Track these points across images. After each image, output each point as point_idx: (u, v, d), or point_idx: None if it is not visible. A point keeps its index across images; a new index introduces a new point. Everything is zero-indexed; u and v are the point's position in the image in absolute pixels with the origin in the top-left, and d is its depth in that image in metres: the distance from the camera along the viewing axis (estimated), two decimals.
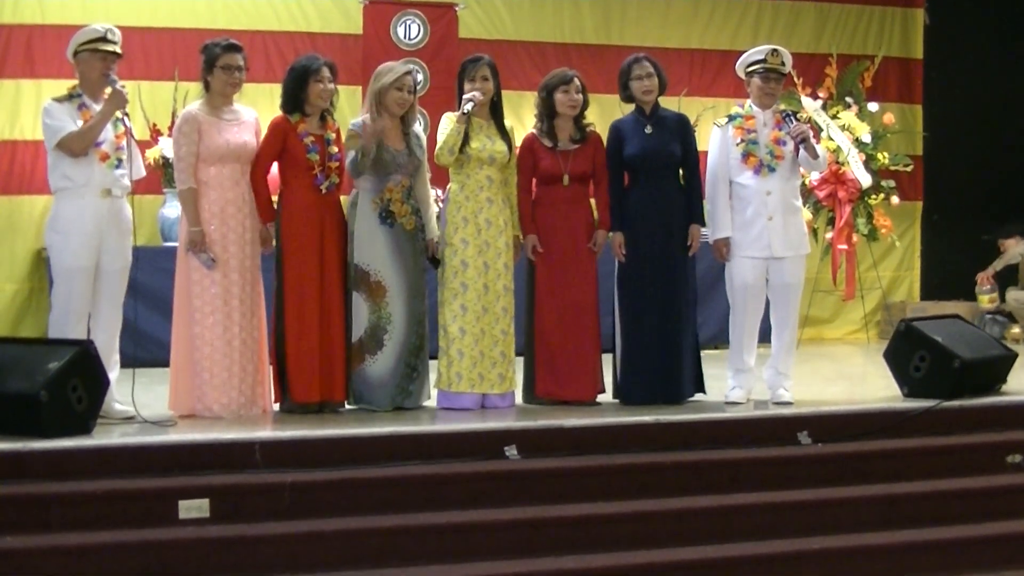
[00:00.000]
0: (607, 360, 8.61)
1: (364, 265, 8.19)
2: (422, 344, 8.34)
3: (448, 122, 8.33)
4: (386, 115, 8.25)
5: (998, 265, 13.36)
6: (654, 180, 8.49)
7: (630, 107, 8.74)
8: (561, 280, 8.43)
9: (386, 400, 8.21)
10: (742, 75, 8.72)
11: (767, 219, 8.45)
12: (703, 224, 8.58)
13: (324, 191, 8.15)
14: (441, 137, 8.30)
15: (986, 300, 13.20)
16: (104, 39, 7.84)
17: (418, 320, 8.31)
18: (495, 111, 8.51)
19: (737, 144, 8.53)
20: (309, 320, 8.08)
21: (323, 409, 8.11)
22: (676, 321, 8.46)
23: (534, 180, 8.52)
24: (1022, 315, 13.02)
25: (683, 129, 8.63)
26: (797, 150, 8.47)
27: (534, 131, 8.58)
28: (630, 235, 8.48)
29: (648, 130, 8.50)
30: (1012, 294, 13.11)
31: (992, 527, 7.33)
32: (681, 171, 8.61)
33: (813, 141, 8.51)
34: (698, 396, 8.61)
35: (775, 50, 8.58)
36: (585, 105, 8.54)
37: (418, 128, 8.50)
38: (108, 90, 7.81)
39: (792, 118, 8.50)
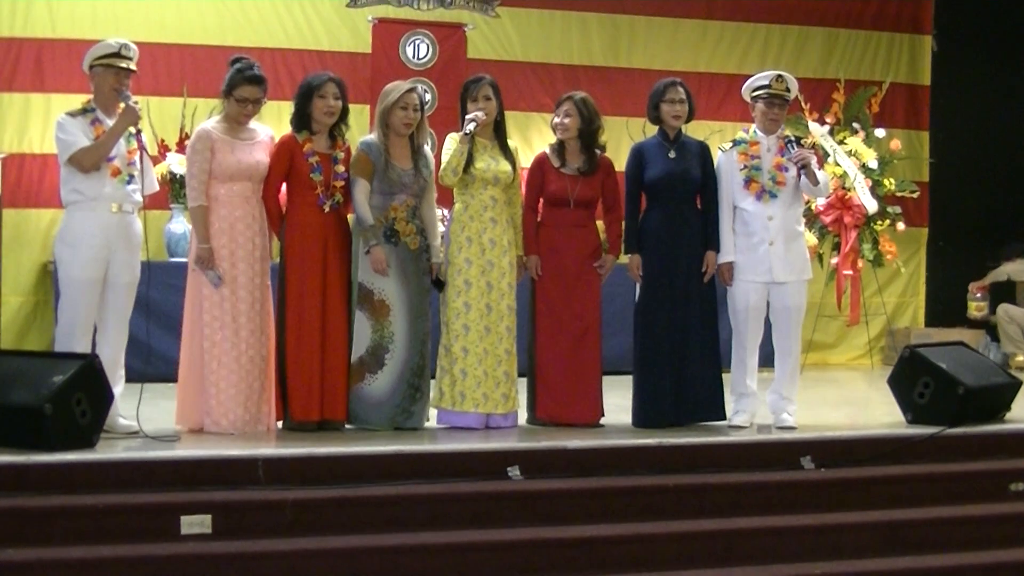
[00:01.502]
0: (619, 383, 8.60)
1: (368, 283, 8.19)
2: (424, 364, 8.33)
3: (452, 143, 8.34)
4: (393, 136, 8.27)
5: (988, 280, 13.41)
6: (673, 204, 8.51)
7: (636, 128, 8.75)
8: (563, 303, 8.45)
9: (384, 420, 8.20)
10: (748, 99, 8.74)
11: (768, 244, 8.46)
12: (718, 250, 8.53)
13: (327, 210, 8.16)
14: (445, 158, 8.30)
15: (974, 308, 13.27)
16: (119, 55, 7.86)
17: (420, 340, 8.30)
18: (498, 131, 8.52)
19: (740, 170, 8.55)
20: (309, 338, 8.08)
21: (323, 428, 8.10)
22: (696, 345, 8.47)
23: (541, 200, 8.54)
24: (1007, 331, 13.00)
25: (704, 156, 8.63)
26: (799, 175, 8.48)
27: (546, 150, 8.61)
28: (649, 259, 8.50)
29: (672, 155, 8.52)
30: (1003, 308, 13.10)
31: (994, 555, 7.30)
32: (700, 197, 8.62)
33: (815, 167, 8.51)
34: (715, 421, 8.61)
35: (780, 76, 8.60)
36: (591, 128, 8.50)
37: (427, 149, 8.50)
38: (121, 106, 7.84)
39: (794, 144, 8.51)
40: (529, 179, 8.54)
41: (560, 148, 8.54)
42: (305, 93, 8.21)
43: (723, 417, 8.56)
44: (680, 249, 8.48)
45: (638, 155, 8.62)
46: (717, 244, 8.55)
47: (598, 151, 8.59)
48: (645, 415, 8.46)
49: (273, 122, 8.86)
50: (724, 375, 8.66)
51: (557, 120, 8.50)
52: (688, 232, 8.51)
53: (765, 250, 8.47)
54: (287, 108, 8.41)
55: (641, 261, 8.51)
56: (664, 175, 8.49)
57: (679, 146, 8.57)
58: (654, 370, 8.46)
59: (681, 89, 8.58)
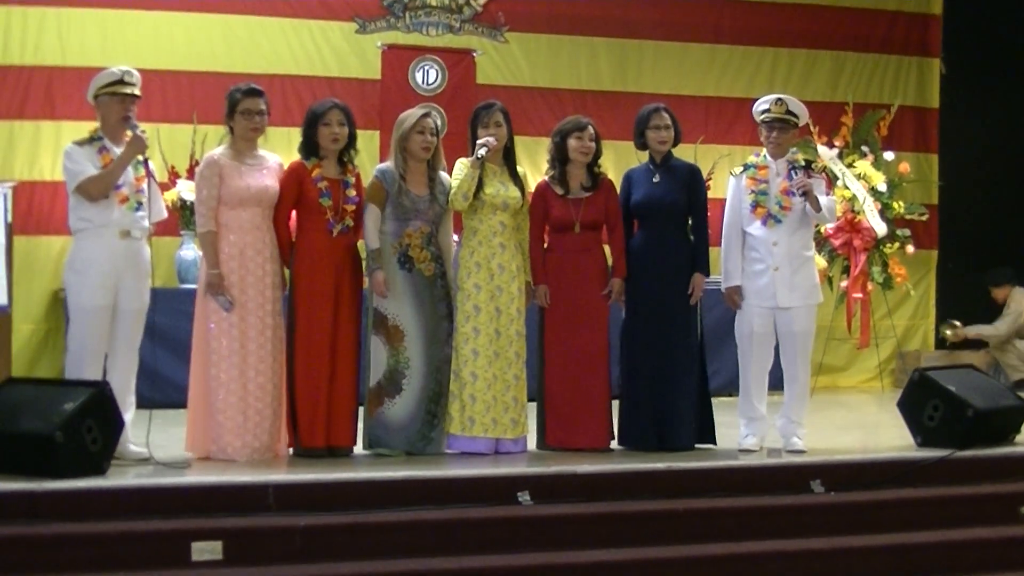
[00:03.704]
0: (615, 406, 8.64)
1: (382, 309, 8.22)
2: (442, 391, 8.33)
3: (462, 167, 8.36)
4: (412, 161, 8.29)
5: (970, 332, 13.37)
6: (658, 228, 8.56)
7: (645, 153, 8.79)
8: (572, 328, 8.46)
9: (404, 444, 8.22)
10: (759, 122, 8.76)
11: (773, 269, 8.47)
12: (707, 274, 8.59)
13: (335, 234, 8.18)
14: (455, 183, 8.33)
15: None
16: (121, 81, 7.90)
17: (437, 367, 8.31)
18: (508, 157, 8.54)
19: (748, 195, 8.58)
20: (319, 365, 8.09)
21: (333, 454, 8.11)
22: (675, 369, 8.49)
23: (546, 227, 8.56)
24: (1007, 362, 12.98)
25: (692, 179, 8.68)
26: (803, 200, 8.49)
27: (546, 178, 8.62)
28: (633, 281, 8.53)
29: (656, 179, 8.56)
30: (974, 328, 13.12)
31: None
32: (691, 220, 8.65)
33: (822, 192, 8.51)
34: (706, 445, 8.60)
35: (779, 99, 8.61)
36: (598, 154, 8.58)
37: (444, 175, 8.51)
38: (128, 134, 7.87)
39: (797, 171, 8.50)
40: (532, 209, 8.55)
41: (562, 175, 8.56)
42: (310, 121, 8.25)
43: (713, 441, 8.59)
44: (665, 272, 8.51)
45: (627, 181, 8.70)
46: (705, 267, 8.58)
47: (599, 172, 8.64)
48: (627, 436, 8.51)
49: (283, 149, 8.87)
50: (730, 398, 8.66)
51: (583, 143, 8.50)
52: (673, 256, 8.54)
53: (770, 275, 8.48)
54: (296, 135, 8.42)
55: (626, 284, 8.56)
56: (646, 199, 8.54)
57: (666, 170, 8.60)
58: (636, 392, 8.50)
59: (666, 114, 8.61)
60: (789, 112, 8.59)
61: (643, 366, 8.49)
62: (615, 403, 8.63)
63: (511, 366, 8.37)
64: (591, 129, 8.53)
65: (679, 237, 8.61)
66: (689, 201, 8.61)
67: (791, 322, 8.53)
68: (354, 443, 8.26)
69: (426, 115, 8.37)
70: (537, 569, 6.88)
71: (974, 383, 8.89)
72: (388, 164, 8.33)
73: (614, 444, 8.55)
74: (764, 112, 8.61)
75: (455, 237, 8.96)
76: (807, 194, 8.41)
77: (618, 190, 8.70)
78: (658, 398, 8.46)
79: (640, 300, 8.53)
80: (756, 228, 8.54)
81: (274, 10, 12.38)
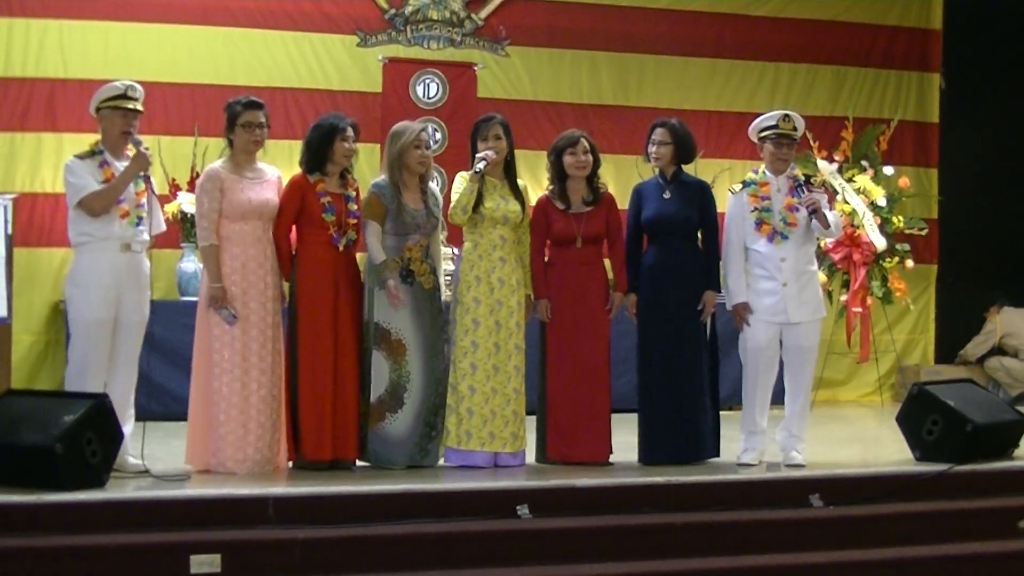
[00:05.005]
0: (630, 421, 8.63)
1: (384, 323, 8.21)
2: (441, 402, 8.33)
3: (462, 181, 8.36)
4: (407, 176, 8.30)
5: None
6: (670, 243, 8.56)
7: (645, 167, 8.80)
8: (573, 342, 8.45)
9: (404, 458, 8.21)
10: (755, 140, 8.76)
11: (782, 285, 8.47)
12: (718, 290, 8.62)
13: (341, 248, 8.19)
14: (455, 196, 8.32)
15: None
16: (125, 96, 7.91)
17: (436, 379, 8.31)
18: (508, 170, 8.54)
19: (751, 211, 8.57)
20: (322, 377, 8.09)
21: (335, 467, 8.11)
22: (694, 383, 8.49)
23: (547, 242, 8.56)
24: (1004, 381, 13.02)
25: (702, 195, 8.68)
26: (810, 218, 8.49)
27: (547, 193, 8.63)
28: (646, 297, 8.53)
29: (667, 195, 8.56)
30: (997, 360, 13.15)
31: None
32: (700, 236, 8.67)
33: (826, 210, 8.53)
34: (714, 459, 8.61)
35: (786, 115, 8.63)
36: (596, 166, 8.59)
37: (433, 186, 8.55)
38: (131, 149, 7.88)
39: (802, 188, 8.51)
40: (534, 223, 8.56)
41: (562, 190, 8.57)
42: (327, 134, 8.23)
43: (716, 454, 8.58)
44: (677, 287, 8.51)
45: (636, 196, 8.70)
46: (717, 284, 8.60)
47: (600, 185, 8.65)
48: (651, 452, 8.49)
49: (283, 162, 8.89)
50: (731, 412, 8.67)
51: (576, 158, 8.50)
52: (685, 271, 8.55)
53: (779, 291, 8.48)
54: (298, 148, 8.42)
55: (640, 300, 8.56)
56: (657, 215, 8.55)
57: (676, 186, 8.61)
58: (656, 407, 8.49)
59: (666, 131, 8.61)
60: (794, 128, 8.62)
61: (664, 382, 8.49)
62: (630, 418, 8.63)
63: (510, 380, 8.37)
64: (584, 142, 8.53)
65: (691, 252, 8.63)
66: (700, 217, 8.62)
67: (800, 336, 8.54)
68: (358, 456, 8.26)
69: (423, 129, 8.43)
70: None
71: (973, 398, 8.90)
72: (383, 179, 8.34)
73: (621, 458, 8.53)
74: (771, 128, 8.61)
75: (454, 250, 8.98)
76: (816, 211, 8.42)
77: (627, 204, 8.71)
78: (680, 414, 8.45)
79: (657, 316, 8.52)
80: (762, 245, 8.54)
81: (276, 23, 12.40)
